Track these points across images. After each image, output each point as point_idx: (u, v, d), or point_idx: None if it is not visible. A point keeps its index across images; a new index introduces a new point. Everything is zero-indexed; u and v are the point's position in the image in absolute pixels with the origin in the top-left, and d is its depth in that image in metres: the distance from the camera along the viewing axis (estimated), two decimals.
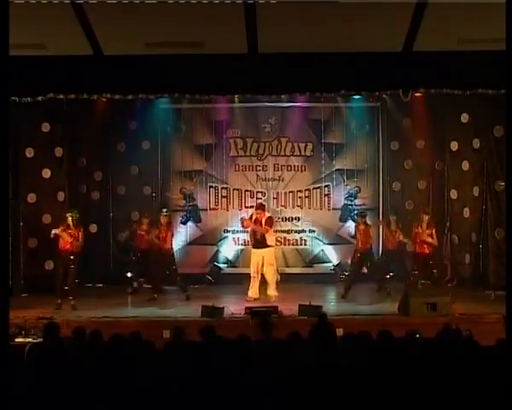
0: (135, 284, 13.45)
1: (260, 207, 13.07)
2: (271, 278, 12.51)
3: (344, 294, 12.72)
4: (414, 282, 12.88)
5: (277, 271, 13.20)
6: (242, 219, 13.19)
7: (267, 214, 12.92)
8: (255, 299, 12.24)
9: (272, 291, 12.47)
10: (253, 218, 12.68)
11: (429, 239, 12.75)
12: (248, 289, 12.49)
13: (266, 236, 12.53)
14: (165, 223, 13.01)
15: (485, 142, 13.65)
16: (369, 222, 13.28)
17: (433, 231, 12.86)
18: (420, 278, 13.09)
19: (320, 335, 6.48)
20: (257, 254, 12.57)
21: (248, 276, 12.67)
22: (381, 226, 14.60)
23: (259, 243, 12.57)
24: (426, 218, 12.90)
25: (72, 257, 11.95)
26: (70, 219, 12.03)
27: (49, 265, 13.83)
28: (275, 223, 13.60)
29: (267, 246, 12.55)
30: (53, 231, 12.06)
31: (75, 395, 5.24)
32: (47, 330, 6.96)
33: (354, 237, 13.27)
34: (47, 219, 13.86)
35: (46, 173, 13.96)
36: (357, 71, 10.77)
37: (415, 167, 15.06)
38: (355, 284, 12.81)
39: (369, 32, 9.85)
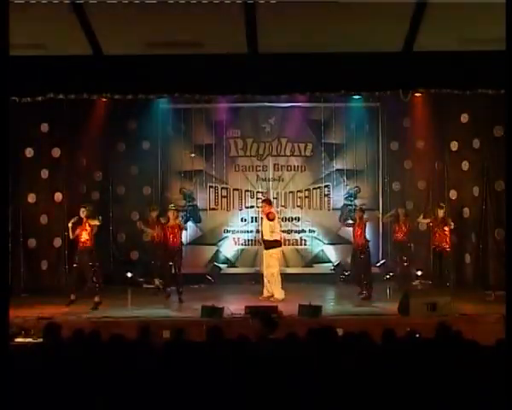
0: (157, 283, 13.42)
1: (266, 201, 13.28)
2: (270, 279, 12.52)
3: (361, 292, 12.63)
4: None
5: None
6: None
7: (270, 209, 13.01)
8: (269, 297, 12.35)
9: (276, 294, 12.49)
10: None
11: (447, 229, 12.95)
12: (263, 288, 12.66)
13: (274, 237, 12.60)
14: (173, 217, 12.95)
15: (485, 142, 13.66)
16: (366, 217, 13.25)
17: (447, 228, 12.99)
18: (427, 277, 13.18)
19: (320, 335, 6.47)
20: (268, 255, 12.66)
21: (248, 276, 12.66)
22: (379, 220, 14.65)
23: (265, 243, 12.70)
24: (441, 212, 13.00)
25: (91, 253, 11.98)
26: (83, 212, 11.97)
27: (45, 265, 13.86)
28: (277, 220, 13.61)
29: (270, 247, 12.60)
30: (70, 223, 12.09)
31: (75, 396, 5.24)
32: (47, 330, 6.95)
33: (350, 225, 13.29)
34: (44, 219, 13.89)
35: (45, 174, 13.98)
36: (357, 71, 10.76)
37: (415, 167, 15.08)
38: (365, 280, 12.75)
39: (369, 32, 9.84)
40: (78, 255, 12.14)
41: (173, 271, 12.80)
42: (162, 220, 13.25)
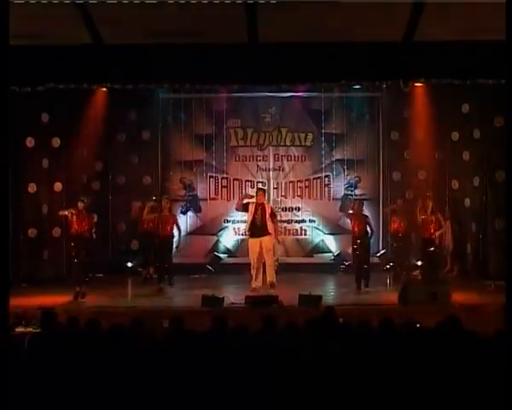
0: (147, 273, 13.47)
1: (260, 190, 12.92)
2: (271, 264, 12.34)
3: (358, 285, 12.38)
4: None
5: (277, 258, 13.17)
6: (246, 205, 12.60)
7: (267, 204, 12.75)
8: (260, 288, 12.12)
9: (271, 277, 12.25)
10: (254, 203, 12.39)
11: (436, 223, 12.77)
12: (251, 280, 12.29)
13: (268, 223, 12.28)
14: (166, 208, 12.98)
15: (485, 132, 13.64)
16: (365, 210, 13.20)
17: (439, 216, 12.86)
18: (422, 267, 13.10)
19: (322, 325, 6.48)
20: (256, 243, 12.30)
21: (248, 266, 12.57)
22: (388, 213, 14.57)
23: (260, 230, 12.27)
24: (430, 204, 12.89)
25: (81, 242, 11.96)
26: (81, 204, 12.00)
27: (46, 255, 13.89)
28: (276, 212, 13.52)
29: (267, 234, 12.31)
30: (61, 212, 12.26)
31: (75, 385, 5.26)
32: (44, 319, 6.95)
33: (349, 216, 13.11)
34: (45, 209, 13.92)
35: (45, 163, 13.99)
36: (357, 61, 10.74)
37: (415, 157, 15.05)
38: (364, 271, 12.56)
39: (370, 22, 9.83)
40: (75, 242, 12.06)
41: (164, 260, 12.85)
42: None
